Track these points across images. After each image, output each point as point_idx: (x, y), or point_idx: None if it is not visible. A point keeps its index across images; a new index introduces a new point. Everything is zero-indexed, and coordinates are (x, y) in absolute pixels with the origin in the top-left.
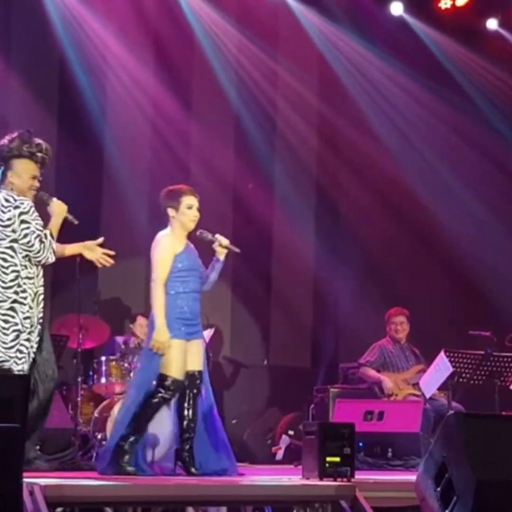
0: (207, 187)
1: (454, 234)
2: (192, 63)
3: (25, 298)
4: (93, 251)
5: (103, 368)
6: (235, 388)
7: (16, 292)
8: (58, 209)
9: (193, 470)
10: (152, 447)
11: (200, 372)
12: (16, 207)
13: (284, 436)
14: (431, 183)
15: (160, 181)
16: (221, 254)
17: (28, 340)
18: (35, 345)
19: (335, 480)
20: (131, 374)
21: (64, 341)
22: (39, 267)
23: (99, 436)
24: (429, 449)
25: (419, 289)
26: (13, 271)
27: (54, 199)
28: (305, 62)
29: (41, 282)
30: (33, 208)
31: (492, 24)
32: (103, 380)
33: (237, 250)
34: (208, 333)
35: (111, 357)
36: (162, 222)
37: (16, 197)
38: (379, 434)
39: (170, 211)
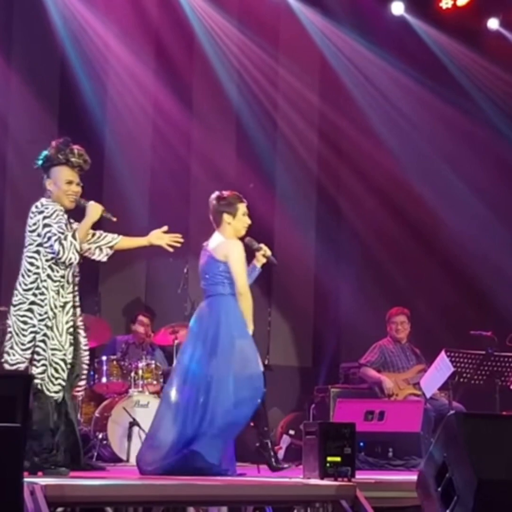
0: (208, 187)
1: (455, 234)
2: (193, 62)
3: (43, 300)
4: (161, 238)
5: (104, 367)
6: None
7: (34, 294)
8: (92, 211)
9: (276, 465)
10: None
11: None
12: (41, 212)
13: (285, 436)
14: (433, 183)
15: (161, 180)
16: (260, 262)
17: (43, 341)
18: (66, 353)
19: (335, 480)
20: (132, 374)
21: None
22: (68, 274)
23: (100, 436)
24: (430, 449)
25: (420, 289)
26: (34, 273)
27: (91, 202)
28: (306, 62)
29: (70, 289)
30: (57, 212)
31: (493, 23)
32: (104, 379)
33: (275, 262)
34: None
35: (112, 357)
36: (164, 222)
37: (44, 202)
38: (380, 434)
39: (227, 217)
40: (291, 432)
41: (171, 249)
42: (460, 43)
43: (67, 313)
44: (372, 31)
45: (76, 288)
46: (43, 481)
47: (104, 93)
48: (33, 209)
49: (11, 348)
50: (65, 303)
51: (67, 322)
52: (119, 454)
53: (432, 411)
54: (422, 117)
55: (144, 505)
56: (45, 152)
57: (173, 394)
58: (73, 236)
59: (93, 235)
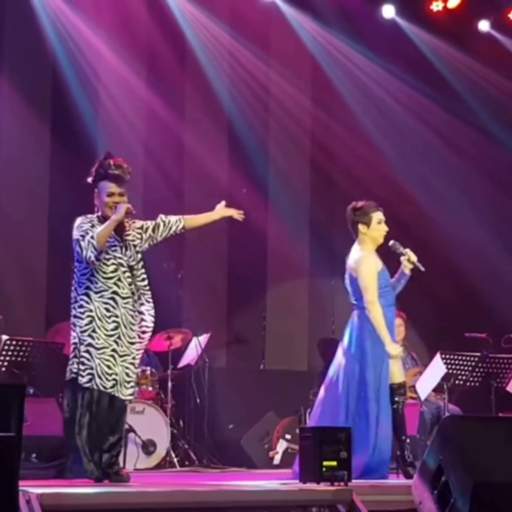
0: (201, 193)
1: (450, 237)
2: (184, 68)
3: (82, 313)
4: (226, 211)
5: None
6: (232, 393)
7: (74, 308)
8: (117, 212)
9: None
10: None
11: None
12: (75, 228)
13: (281, 440)
14: (427, 186)
15: (154, 187)
16: (407, 268)
17: (88, 351)
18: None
19: (332, 484)
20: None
21: (60, 348)
22: (115, 270)
23: None
24: (426, 452)
25: (415, 292)
26: (74, 288)
27: (121, 204)
28: (298, 66)
29: (109, 295)
30: (81, 223)
31: (484, 26)
32: None
33: (422, 268)
34: (204, 338)
35: None
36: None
37: (80, 218)
38: None
39: (361, 228)
40: (288, 436)
41: (240, 219)
42: (451, 46)
43: (123, 306)
44: (363, 34)
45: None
46: (39, 489)
47: (96, 100)
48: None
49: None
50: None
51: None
52: None
53: (428, 414)
54: (414, 119)
55: None
56: (93, 170)
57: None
58: (92, 236)
59: (157, 227)
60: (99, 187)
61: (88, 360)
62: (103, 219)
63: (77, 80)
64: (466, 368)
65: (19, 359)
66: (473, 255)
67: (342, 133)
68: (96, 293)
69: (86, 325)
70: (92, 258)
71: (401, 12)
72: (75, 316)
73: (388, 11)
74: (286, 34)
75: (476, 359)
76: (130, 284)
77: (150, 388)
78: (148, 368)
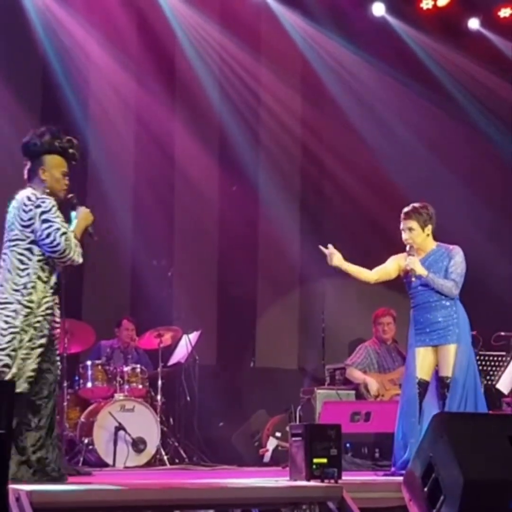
0: (192, 190)
1: (443, 234)
2: (174, 66)
3: (30, 301)
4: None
5: (89, 372)
6: (222, 391)
7: (22, 294)
8: (84, 216)
9: None
10: None
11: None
12: (38, 206)
13: (271, 438)
14: (419, 184)
15: (145, 186)
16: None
17: (21, 341)
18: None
19: (322, 482)
20: (117, 378)
21: None
22: (53, 274)
23: (86, 441)
24: (416, 449)
25: (404, 290)
26: (26, 274)
27: (83, 207)
28: (288, 64)
29: (52, 290)
30: (55, 207)
31: (473, 24)
32: (89, 384)
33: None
34: (194, 336)
35: (97, 362)
36: (148, 223)
37: (39, 196)
38: (366, 434)
39: (430, 229)
40: (278, 434)
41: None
42: (441, 43)
43: (46, 315)
44: (353, 32)
45: (57, 293)
46: (28, 487)
47: (86, 97)
48: (26, 201)
49: None
50: (42, 302)
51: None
52: (105, 459)
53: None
54: (405, 117)
55: (130, 510)
56: (35, 138)
57: None
58: (75, 237)
59: None
60: (50, 161)
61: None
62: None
63: (67, 77)
64: None
65: None
66: (464, 250)
67: (332, 130)
68: (43, 283)
69: (24, 317)
70: (78, 262)
71: (391, 10)
72: (20, 303)
73: (378, 9)
74: (277, 32)
75: None
76: None
77: (140, 386)
78: (138, 366)
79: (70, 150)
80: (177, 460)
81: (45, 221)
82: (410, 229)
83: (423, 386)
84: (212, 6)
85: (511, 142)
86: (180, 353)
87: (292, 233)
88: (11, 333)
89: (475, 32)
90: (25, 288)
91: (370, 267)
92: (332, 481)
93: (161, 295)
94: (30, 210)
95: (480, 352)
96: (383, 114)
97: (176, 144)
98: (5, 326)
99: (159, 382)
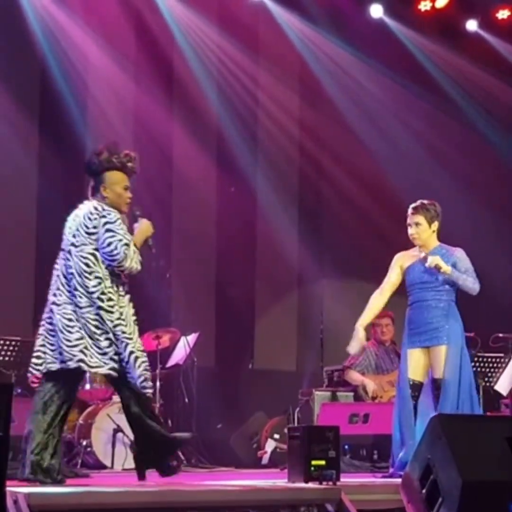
0: (190, 192)
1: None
2: (173, 68)
3: (112, 306)
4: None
5: (87, 374)
6: (220, 392)
7: (100, 299)
8: (145, 227)
9: None
10: None
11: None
12: (103, 217)
13: (269, 440)
14: (416, 185)
15: (142, 187)
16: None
17: (114, 351)
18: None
19: (320, 484)
20: None
21: None
22: (121, 278)
23: (84, 443)
24: (414, 451)
25: (403, 292)
26: (96, 277)
27: (144, 219)
28: (286, 65)
29: (126, 301)
30: (119, 220)
31: (472, 25)
32: (87, 386)
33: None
34: (192, 338)
35: None
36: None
37: (105, 207)
38: (365, 436)
39: (436, 225)
40: (276, 436)
41: None
42: (439, 45)
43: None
44: (351, 33)
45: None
46: (26, 489)
47: (84, 100)
48: (92, 210)
49: (87, 349)
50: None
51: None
52: (104, 461)
53: None
54: (403, 119)
55: None
56: (93, 157)
57: None
58: (136, 246)
59: None
60: (111, 177)
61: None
62: None
63: (66, 79)
64: None
65: (7, 358)
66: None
67: (330, 131)
68: (119, 286)
69: (116, 319)
70: (136, 270)
71: (389, 12)
72: (100, 308)
73: (376, 11)
74: (274, 34)
75: None
76: None
77: None
78: None
79: (129, 164)
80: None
81: (108, 230)
82: (417, 224)
83: (416, 387)
84: (210, 8)
85: (509, 143)
86: (179, 354)
87: (290, 234)
88: (106, 338)
89: (473, 34)
90: (103, 293)
91: (367, 267)
92: (331, 483)
93: (159, 297)
94: (95, 219)
95: (479, 354)
96: (381, 116)
97: (174, 145)
98: (98, 331)
99: (157, 384)
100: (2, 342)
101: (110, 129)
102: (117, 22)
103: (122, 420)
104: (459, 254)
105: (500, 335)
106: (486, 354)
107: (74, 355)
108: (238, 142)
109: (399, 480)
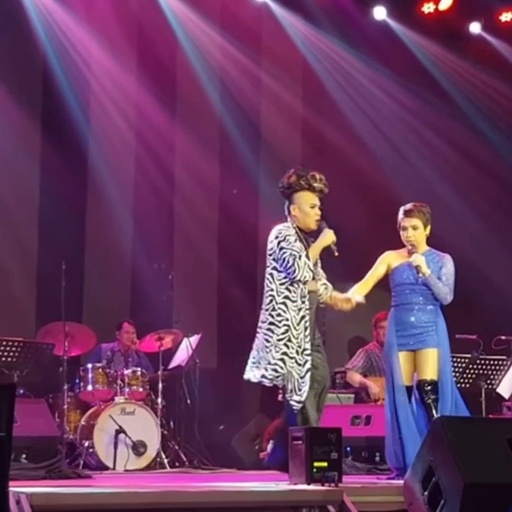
0: (192, 194)
1: (440, 239)
2: (175, 69)
3: (280, 321)
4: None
5: (90, 375)
6: (223, 394)
7: (271, 315)
8: (326, 236)
9: None
10: None
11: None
12: (276, 237)
13: (271, 441)
14: (416, 188)
15: (145, 189)
16: None
17: (282, 360)
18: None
19: (322, 485)
20: (118, 381)
21: (50, 348)
22: (303, 292)
23: (86, 444)
24: (416, 453)
25: None
26: (269, 295)
27: (327, 229)
28: (289, 67)
29: (307, 305)
30: (288, 236)
31: (475, 28)
32: (89, 387)
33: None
34: (194, 339)
35: (97, 365)
36: (148, 227)
37: (280, 228)
38: (367, 438)
39: (428, 229)
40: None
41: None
42: (442, 47)
43: (305, 329)
44: (354, 36)
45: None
46: (29, 490)
47: (87, 101)
48: (273, 234)
49: (259, 363)
50: (303, 319)
51: (305, 337)
52: (105, 462)
53: None
54: (404, 121)
55: None
56: (284, 181)
57: None
58: (306, 256)
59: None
60: (299, 198)
61: (281, 368)
62: (299, 230)
63: (68, 80)
64: (456, 369)
65: (9, 359)
66: (464, 255)
67: (333, 132)
68: (293, 302)
69: (282, 333)
70: (308, 279)
71: (393, 14)
72: (271, 323)
73: (380, 13)
74: (278, 35)
75: (466, 360)
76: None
77: (141, 389)
78: (139, 369)
79: (315, 184)
80: (177, 464)
81: (281, 248)
82: (414, 227)
83: (409, 392)
84: (213, 9)
85: None
86: (181, 356)
87: None
88: (277, 351)
89: (476, 36)
90: (274, 309)
91: (368, 269)
92: (333, 484)
93: (162, 298)
94: (272, 241)
95: (481, 356)
96: (384, 118)
97: (177, 146)
98: (267, 344)
99: (160, 385)
100: (4, 343)
101: (112, 128)
102: (119, 22)
103: (124, 421)
104: (448, 263)
105: (503, 337)
106: (488, 357)
107: None
108: (240, 143)
109: (401, 482)
